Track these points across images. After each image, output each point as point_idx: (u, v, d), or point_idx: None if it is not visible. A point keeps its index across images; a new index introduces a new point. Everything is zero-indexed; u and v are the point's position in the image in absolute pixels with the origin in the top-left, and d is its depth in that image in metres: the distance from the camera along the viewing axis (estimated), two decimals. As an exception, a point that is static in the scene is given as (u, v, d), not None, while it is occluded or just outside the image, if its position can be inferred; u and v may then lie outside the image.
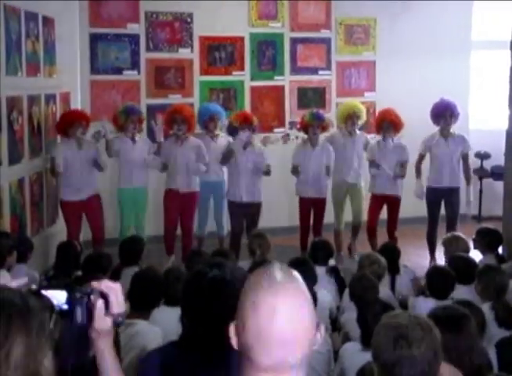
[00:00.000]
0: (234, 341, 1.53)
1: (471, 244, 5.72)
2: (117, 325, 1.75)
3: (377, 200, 7.27)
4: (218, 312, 2.13)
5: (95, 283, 1.73)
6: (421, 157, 7.31)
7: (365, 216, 7.51)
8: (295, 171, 7.11)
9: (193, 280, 2.30)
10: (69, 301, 1.65)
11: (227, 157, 6.98)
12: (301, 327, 1.47)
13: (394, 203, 7.23)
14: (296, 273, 1.54)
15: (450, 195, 7.23)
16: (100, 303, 1.70)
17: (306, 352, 1.50)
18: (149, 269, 4.34)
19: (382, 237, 7.12)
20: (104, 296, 1.72)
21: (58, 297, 1.64)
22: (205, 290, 2.20)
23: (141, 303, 3.80)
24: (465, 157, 7.27)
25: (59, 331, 1.52)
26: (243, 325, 1.49)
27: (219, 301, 2.16)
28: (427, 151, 7.28)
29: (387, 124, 7.14)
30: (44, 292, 1.62)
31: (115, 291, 1.74)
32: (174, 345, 2.35)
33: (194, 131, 7.24)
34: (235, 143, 7.03)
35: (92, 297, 1.70)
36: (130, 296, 3.81)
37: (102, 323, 1.72)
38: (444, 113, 7.15)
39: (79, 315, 1.67)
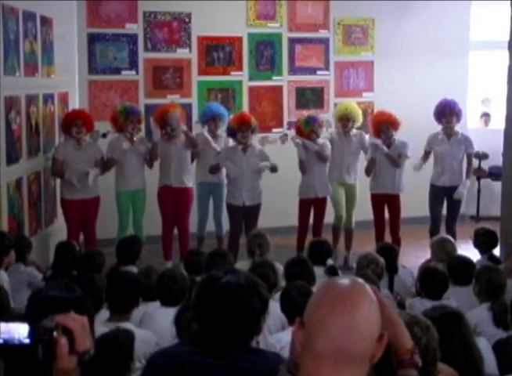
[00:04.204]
0: (297, 335, 1.59)
1: (467, 245, 5.73)
2: (82, 363, 1.57)
3: (378, 201, 7.28)
4: (229, 315, 2.17)
5: (59, 318, 1.56)
6: (426, 153, 7.32)
7: (359, 216, 7.54)
8: (302, 166, 7.11)
9: (207, 283, 2.31)
10: (30, 335, 1.50)
11: (213, 170, 7.01)
12: (363, 321, 1.53)
13: (394, 201, 7.24)
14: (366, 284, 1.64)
15: (452, 193, 7.27)
16: (64, 340, 1.52)
17: (365, 353, 1.55)
18: (123, 270, 4.35)
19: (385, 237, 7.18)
20: (69, 332, 1.53)
21: (19, 330, 1.51)
22: (217, 293, 2.21)
23: (119, 304, 3.78)
24: (469, 157, 7.33)
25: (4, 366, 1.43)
26: (309, 315, 1.58)
27: (231, 306, 2.18)
28: (431, 148, 7.32)
29: (386, 124, 7.14)
30: (3, 325, 1.50)
31: (81, 326, 1.57)
32: (183, 344, 2.36)
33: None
34: (228, 150, 7.00)
35: (55, 333, 1.51)
36: (107, 298, 3.81)
37: (66, 362, 1.54)
38: (443, 111, 7.20)
39: (40, 352, 1.50)
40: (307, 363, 1.57)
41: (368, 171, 7.27)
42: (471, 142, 7.31)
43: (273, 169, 6.89)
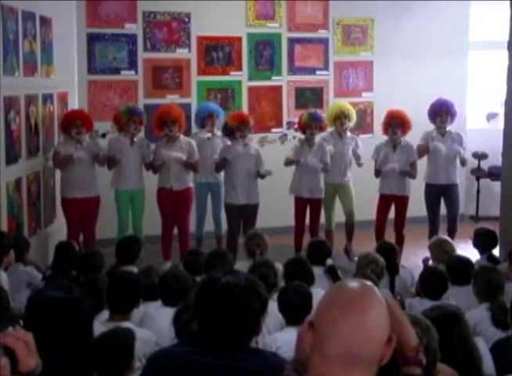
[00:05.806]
0: (307, 337, 1.60)
1: (466, 245, 5.73)
2: None
3: (385, 201, 7.26)
4: (228, 316, 2.17)
5: None
6: (423, 147, 7.27)
7: (359, 216, 7.54)
8: (289, 162, 7.15)
9: (206, 283, 2.31)
10: None
11: (220, 165, 6.98)
12: (372, 324, 1.56)
13: (402, 203, 7.23)
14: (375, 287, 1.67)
15: (448, 193, 7.27)
16: (4, 361, 1.36)
17: (374, 356, 1.57)
18: (123, 270, 4.35)
19: (388, 236, 7.14)
20: (10, 352, 1.38)
21: None
22: (217, 294, 2.21)
23: (119, 304, 3.79)
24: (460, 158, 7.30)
25: None
26: (319, 317, 1.60)
27: (231, 306, 2.18)
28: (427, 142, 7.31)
29: (396, 122, 7.10)
30: None
31: (24, 345, 1.42)
32: (183, 344, 2.36)
33: (184, 130, 7.21)
34: (228, 148, 6.99)
35: None
36: (107, 298, 3.82)
37: None
38: (439, 111, 7.21)
39: None
40: (315, 365, 1.58)
41: (377, 174, 7.25)
42: (464, 143, 7.31)
43: (262, 176, 6.94)
